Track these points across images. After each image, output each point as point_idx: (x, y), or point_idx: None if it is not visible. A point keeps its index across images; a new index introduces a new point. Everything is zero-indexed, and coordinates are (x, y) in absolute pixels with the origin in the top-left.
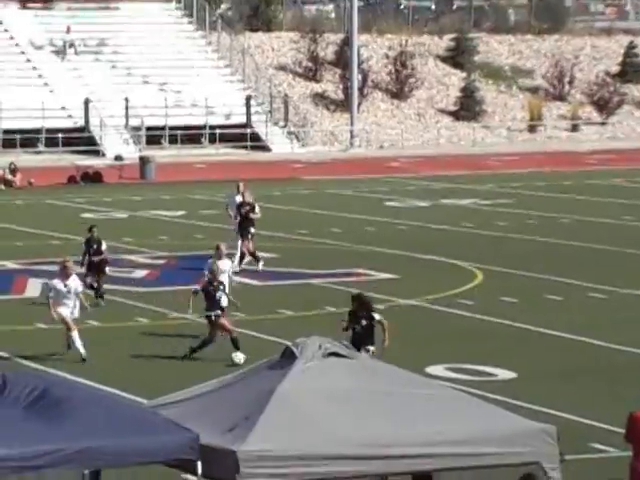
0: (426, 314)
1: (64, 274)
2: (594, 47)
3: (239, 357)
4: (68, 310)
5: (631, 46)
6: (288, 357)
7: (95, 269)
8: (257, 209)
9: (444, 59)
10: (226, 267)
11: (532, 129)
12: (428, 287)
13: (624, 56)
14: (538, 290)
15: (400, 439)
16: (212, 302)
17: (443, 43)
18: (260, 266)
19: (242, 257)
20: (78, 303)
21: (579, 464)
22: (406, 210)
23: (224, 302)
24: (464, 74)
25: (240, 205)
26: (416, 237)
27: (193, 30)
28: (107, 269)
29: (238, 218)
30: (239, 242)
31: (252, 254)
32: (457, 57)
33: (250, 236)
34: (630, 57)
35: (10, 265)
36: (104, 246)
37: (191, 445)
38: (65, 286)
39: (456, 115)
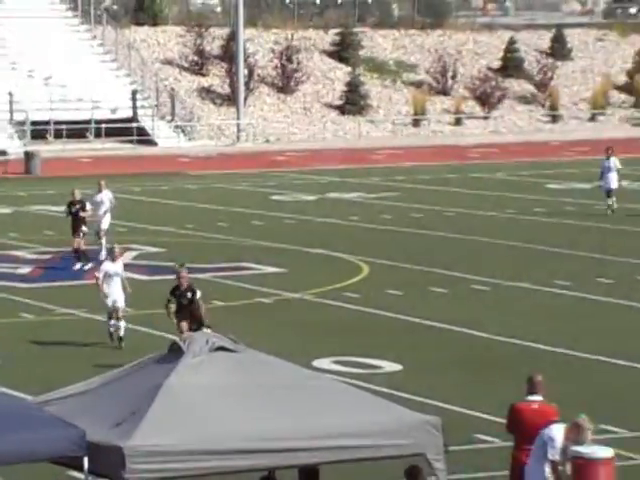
0: (312, 307)
1: None
2: (476, 42)
3: None
4: None
5: (512, 41)
6: (175, 352)
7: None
8: (88, 206)
9: (329, 54)
10: (119, 269)
11: (416, 123)
12: (314, 280)
13: (505, 51)
14: (423, 283)
15: (286, 433)
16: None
17: (328, 37)
18: (78, 266)
19: (77, 254)
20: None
21: (463, 455)
22: (292, 204)
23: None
24: (349, 68)
25: (70, 203)
26: (302, 231)
27: (78, 24)
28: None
29: (70, 216)
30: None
31: (76, 251)
32: (342, 51)
33: (82, 234)
34: (511, 52)
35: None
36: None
37: (77, 441)
38: None
39: (342, 109)
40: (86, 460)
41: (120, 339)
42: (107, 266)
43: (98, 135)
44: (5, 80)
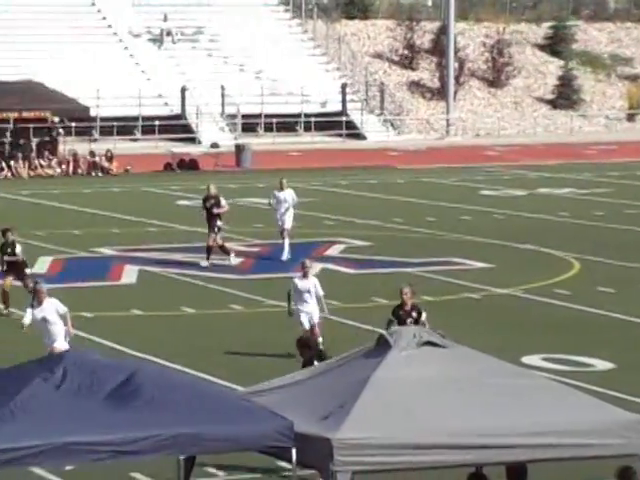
0: (522, 304)
1: None
2: None
3: None
4: None
5: None
6: (383, 346)
7: (14, 271)
8: (223, 202)
9: (542, 47)
10: (309, 285)
11: (631, 118)
12: (524, 277)
13: None
14: (636, 280)
15: (495, 429)
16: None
17: (541, 31)
18: (232, 259)
19: (209, 251)
20: None
21: None
22: (502, 199)
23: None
24: (562, 62)
25: (205, 199)
26: (512, 226)
27: (289, 18)
28: (27, 270)
29: (204, 212)
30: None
31: (221, 247)
32: (555, 45)
33: (217, 230)
34: None
35: (107, 252)
36: (18, 249)
37: (285, 432)
38: None
39: (553, 104)
40: (294, 451)
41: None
42: (297, 282)
43: (308, 129)
44: (217, 74)
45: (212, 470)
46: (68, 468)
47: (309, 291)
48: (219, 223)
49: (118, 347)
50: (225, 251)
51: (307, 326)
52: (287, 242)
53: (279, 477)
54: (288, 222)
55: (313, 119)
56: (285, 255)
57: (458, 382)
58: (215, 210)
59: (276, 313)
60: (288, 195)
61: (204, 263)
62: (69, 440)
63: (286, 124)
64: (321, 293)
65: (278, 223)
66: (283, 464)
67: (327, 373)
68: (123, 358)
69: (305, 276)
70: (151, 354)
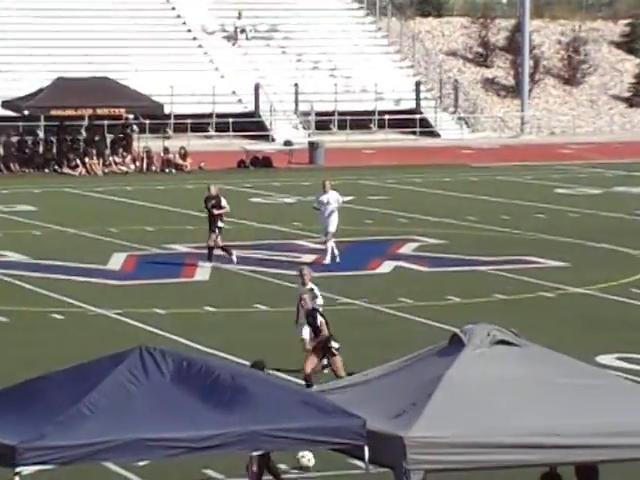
0: (597, 302)
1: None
2: None
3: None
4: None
5: None
6: (456, 344)
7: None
8: (223, 202)
9: (618, 45)
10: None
11: None
12: (599, 275)
13: None
14: None
15: (570, 428)
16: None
17: (617, 28)
18: (234, 258)
19: (210, 252)
20: None
21: None
22: (577, 198)
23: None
24: (638, 60)
25: (206, 199)
26: (587, 225)
27: (363, 16)
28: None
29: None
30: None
31: (222, 248)
32: (632, 43)
33: (218, 230)
34: None
35: (180, 249)
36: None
37: (358, 431)
38: None
39: (630, 101)
40: (367, 449)
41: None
42: (299, 289)
43: (381, 126)
44: (291, 72)
45: (283, 466)
46: (142, 463)
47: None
48: (220, 224)
49: (190, 344)
50: (226, 251)
51: (306, 336)
52: (331, 245)
53: (352, 475)
54: (333, 225)
55: (387, 117)
56: (328, 259)
57: (532, 381)
58: (216, 211)
59: (350, 311)
60: (332, 197)
61: (206, 264)
62: (144, 436)
63: (359, 122)
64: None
65: (323, 226)
66: (356, 462)
67: (399, 371)
68: (197, 354)
69: (304, 284)
70: (223, 351)
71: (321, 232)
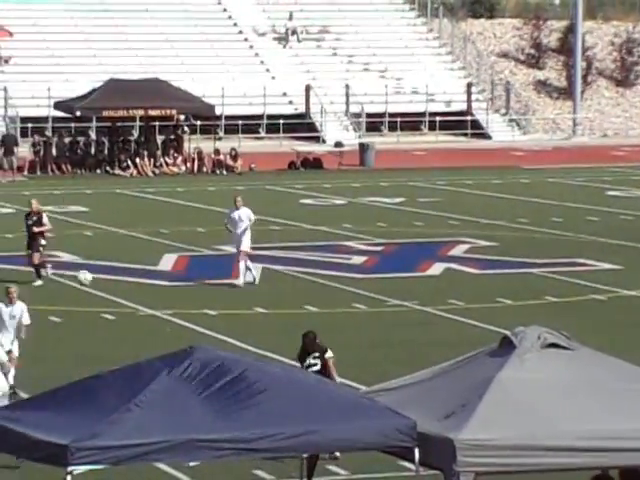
0: None
1: None
2: None
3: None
4: None
5: None
6: (506, 346)
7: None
8: (45, 220)
9: None
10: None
11: None
12: None
13: None
14: None
15: (623, 432)
16: None
17: None
18: (38, 282)
19: (37, 270)
20: None
21: None
22: (630, 200)
23: None
24: None
25: (27, 215)
26: None
27: (415, 17)
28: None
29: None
30: None
31: (35, 266)
32: None
33: (39, 248)
34: None
35: (231, 250)
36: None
37: (408, 432)
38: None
39: None
40: (417, 451)
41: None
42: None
43: (432, 128)
44: (342, 73)
45: (334, 468)
46: (192, 464)
47: (12, 317)
48: (42, 242)
49: (241, 345)
50: (38, 273)
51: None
52: (243, 265)
53: (402, 477)
54: (245, 244)
55: (438, 118)
56: (241, 280)
57: (583, 384)
58: (36, 229)
59: (399, 312)
60: (243, 214)
61: (37, 283)
62: (194, 437)
63: (410, 123)
64: (26, 322)
65: (235, 245)
66: (406, 464)
67: (449, 373)
68: (247, 355)
69: (11, 302)
70: (274, 352)
71: (370, 234)
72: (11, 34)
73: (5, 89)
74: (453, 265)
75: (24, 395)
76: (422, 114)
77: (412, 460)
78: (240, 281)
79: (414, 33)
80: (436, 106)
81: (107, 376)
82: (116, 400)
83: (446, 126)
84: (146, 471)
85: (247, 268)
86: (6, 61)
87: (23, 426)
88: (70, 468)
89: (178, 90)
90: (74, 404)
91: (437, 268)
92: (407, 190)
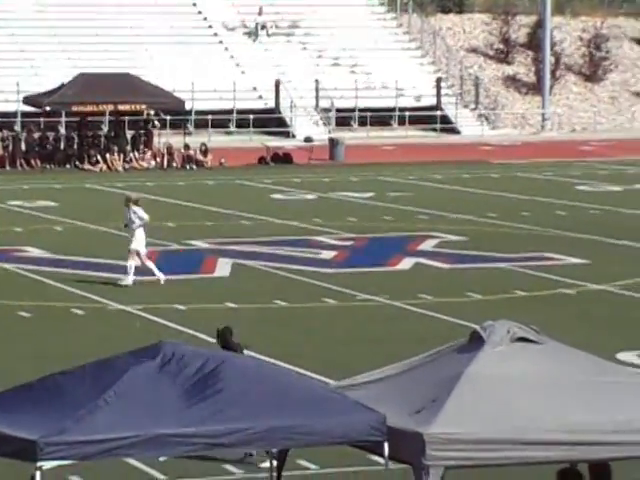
0: (617, 300)
1: None
2: None
3: None
4: None
5: None
6: (476, 341)
7: None
8: None
9: (639, 41)
10: None
11: None
12: (620, 272)
13: None
14: None
15: (590, 426)
16: None
17: (639, 25)
18: None
19: None
20: None
21: None
22: (598, 194)
23: None
24: None
25: None
26: (608, 222)
27: (384, 12)
28: None
29: None
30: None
31: None
32: None
33: None
34: None
35: (200, 245)
36: None
37: (378, 426)
38: None
39: None
40: (386, 445)
41: None
42: None
43: (402, 123)
44: (312, 68)
45: (304, 463)
46: (162, 459)
47: None
48: None
49: (211, 339)
50: None
51: None
52: (132, 264)
53: (372, 471)
54: (136, 243)
55: (407, 113)
56: (130, 280)
57: (552, 378)
58: None
59: (368, 307)
60: (138, 213)
61: None
62: (162, 432)
63: (380, 118)
64: None
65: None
66: (375, 458)
67: (419, 368)
68: (218, 350)
69: None
70: (243, 346)
71: (340, 229)
72: None
73: None
74: (422, 260)
75: None
76: (392, 109)
77: (382, 454)
78: (130, 280)
79: (384, 28)
80: (406, 101)
81: (76, 371)
82: (85, 395)
83: (416, 121)
84: (116, 466)
85: (133, 267)
86: None
87: None
88: (39, 463)
89: (148, 85)
90: (43, 399)
91: (407, 262)
92: (377, 185)
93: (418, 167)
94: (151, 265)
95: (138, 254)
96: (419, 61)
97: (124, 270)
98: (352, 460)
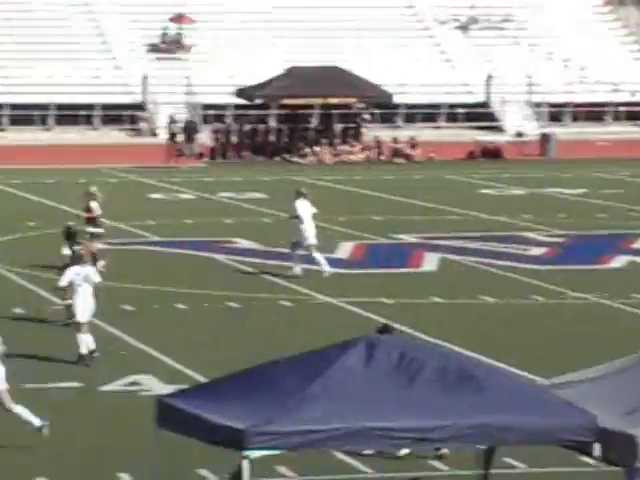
0: None
1: None
2: None
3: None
4: None
5: None
6: None
7: None
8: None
9: None
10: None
11: None
12: None
13: None
14: None
15: None
16: None
17: None
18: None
19: None
20: None
21: None
22: None
23: None
24: None
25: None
26: None
27: (601, 5)
28: None
29: None
30: None
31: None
32: None
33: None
34: None
35: (408, 239)
36: None
37: (588, 427)
38: None
39: None
40: (597, 446)
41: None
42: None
43: (616, 118)
44: (524, 62)
45: (511, 461)
46: (367, 452)
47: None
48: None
49: (416, 333)
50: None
51: None
52: (318, 256)
53: (580, 472)
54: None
55: (622, 108)
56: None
57: None
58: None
59: (578, 305)
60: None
61: None
62: (371, 425)
63: (594, 113)
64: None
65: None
66: (584, 459)
67: (632, 368)
68: (428, 344)
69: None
70: (448, 342)
71: (550, 225)
72: (193, 21)
73: (188, 77)
74: (636, 258)
75: (201, 379)
76: (606, 104)
77: (591, 455)
78: (327, 269)
79: (600, 21)
80: (621, 96)
81: (284, 362)
82: (294, 386)
83: (632, 116)
84: (321, 457)
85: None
86: (188, 49)
87: (201, 410)
88: (247, 452)
89: (357, 78)
90: (252, 390)
91: (619, 260)
92: (589, 181)
93: (632, 164)
94: (316, 258)
95: (309, 247)
96: (636, 55)
97: (325, 263)
98: (564, 460)
